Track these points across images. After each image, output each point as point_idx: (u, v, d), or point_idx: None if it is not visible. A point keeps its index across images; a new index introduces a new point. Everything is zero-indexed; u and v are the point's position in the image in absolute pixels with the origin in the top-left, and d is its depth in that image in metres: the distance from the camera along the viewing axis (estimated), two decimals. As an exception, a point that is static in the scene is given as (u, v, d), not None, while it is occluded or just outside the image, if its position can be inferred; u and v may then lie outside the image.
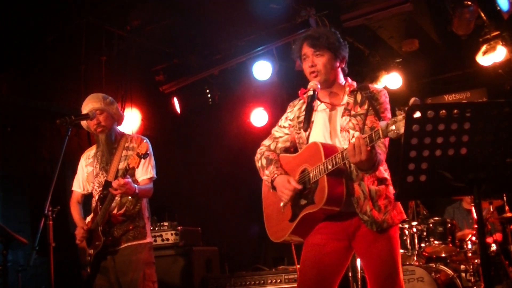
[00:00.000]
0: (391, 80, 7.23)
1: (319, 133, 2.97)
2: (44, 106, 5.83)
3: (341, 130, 2.91)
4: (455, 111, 1.98)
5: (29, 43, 5.53)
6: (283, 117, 3.20)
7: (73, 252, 4.33)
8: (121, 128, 4.15)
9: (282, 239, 3.03)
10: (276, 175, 3.01)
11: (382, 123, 2.48)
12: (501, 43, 6.33)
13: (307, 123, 2.87)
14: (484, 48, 6.41)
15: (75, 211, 4.03)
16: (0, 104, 5.43)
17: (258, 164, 3.17)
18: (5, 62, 5.44)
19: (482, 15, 6.02)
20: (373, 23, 6.18)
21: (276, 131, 3.21)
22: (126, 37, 6.32)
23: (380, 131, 2.50)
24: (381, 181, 2.90)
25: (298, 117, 3.09)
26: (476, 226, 5.44)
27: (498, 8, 5.55)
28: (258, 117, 7.75)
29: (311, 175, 2.84)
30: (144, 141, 3.75)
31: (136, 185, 3.73)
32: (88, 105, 3.89)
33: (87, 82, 6.03)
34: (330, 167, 2.72)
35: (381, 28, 6.44)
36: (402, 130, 2.38)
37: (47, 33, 5.62)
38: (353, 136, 2.84)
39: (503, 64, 6.64)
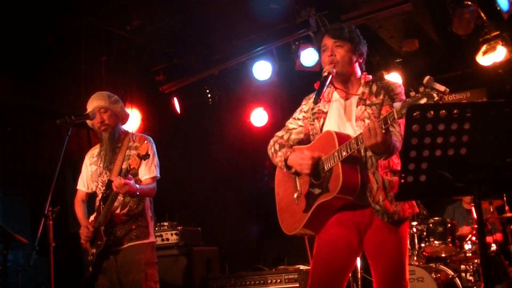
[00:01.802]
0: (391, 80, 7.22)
1: (333, 123, 2.98)
2: (44, 106, 5.83)
3: (356, 120, 2.92)
4: (455, 111, 1.98)
5: (29, 43, 5.53)
6: (298, 110, 3.21)
7: (73, 252, 4.33)
8: (124, 127, 4.15)
9: (296, 231, 3.03)
10: (289, 153, 3.02)
11: (397, 104, 2.50)
12: (501, 43, 6.32)
13: (317, 96, 2.87)
14: (484, 48, 6.40)
15: (79, 210, 4.02)
16: (0, 104, 5.43)
17: (271, 151, 3.17)
18: (5, 62, 5.44)
19: (482, 15, 6.02)
20: (373, 23, 6.17)
21: (290, 123, 3.22)
22: (126, 37, 6.32)
23: (395, 112, 2.51)
24: (395, 172, 2.90)
25: (312, 109, 3.10)
26: (476, 226, 5.44)
27: (498, 8, 5.55)
28: (258, 117, 7.75)
29: (325, 163, 2.84)
30: (146, 141, 3.73)
31: (138, 185, 3.72)
32: (93, 103, 3.88)
33: (87, 82, 6.03)
34: (344, 153, 2.73)
35: (381, 28, 6.44)
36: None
37: (47, 33, 5.61)
38: None
39: (503, 64, 6.63)
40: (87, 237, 3.81)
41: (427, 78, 2.35)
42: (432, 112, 1.97)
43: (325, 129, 2.99)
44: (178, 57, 6.87)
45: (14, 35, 5.32)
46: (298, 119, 3.18)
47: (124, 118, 4.05)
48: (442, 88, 2.34)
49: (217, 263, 6.16)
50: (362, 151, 2.82)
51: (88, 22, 5.83)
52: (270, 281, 5.40)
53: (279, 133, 3.24)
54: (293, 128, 3.19)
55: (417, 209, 3.02)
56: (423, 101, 2.37)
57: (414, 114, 1.98)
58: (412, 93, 2.43)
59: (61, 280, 3.87)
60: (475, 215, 5.71)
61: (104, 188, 3.86)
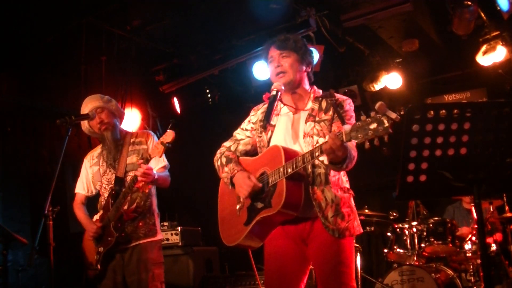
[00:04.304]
0: (391, 80, 7.22)
1: (280, 137, 2.96)
2: (44, 106, 5.83)
3: (304, 136, 2.89)
4: (455, 111, 1.98)
5: (29, 43, 5.53)
6: (246, 121, 3.22)
7: (73, 252, 4.33)
8: (122, 127, 4.15)
9: (236, 243, 3.02)
10: (236, 171, 2.99)
11: (346, 127, 2.47)
12: (501, 43, 6.31)
13: (266, 120, 2.84)
14: (484, 48, 6.39)
15: (80, 211, 4.00)
16: (0, 104, 5.43)
17: (218, 163, 3.16)
18: (5, 62, 5.44)
19: (482, 15, 6.01)
20: (373, 23, 6.17)
21: (238, 133, 3.22)
22: (126, 37, 6.31)
23: (344, 135, 2.48)
24: (344, 190, 2.92)
25: (260, 121, 3.08)
26: (476, 226, 5.43)
27: (498, 8, 5.54)
28: (258, 117, 7.73)
29: (270, 178, 2.81)
30: (169, 130, 3.62)
31: (155, 172, 3.72)
32: (88, 106, 3.91)
33: (87, 82, 6.03)
34: (290, 170, 2.70)
35: (381, 28, 6.43)
36: (362, 136, 2.37)
37: (47, 33, 5.61)
38: (317, 142, 2.82)
39: (503, 64, 6.62)
40: (95, 233, 3.79)
41: (379, 104, 2.29)
42: (432, 112, 1.97)
43: (272, 142, 2.97)
44: (178, 57, 6.87)
45: (14, 35, 5.32)
46: (246, 130, 3.17)
47: (121, 115, 4.07)
48: (393, 115, 2.28)
49: (217, 263, 6.16)
50: (309, 167, 2.80)
51: (88, 22, 5.82)
52: (270, 281, 5.39)
53: (226, 144, 3.24)
54: (241, 139, 3.18)
55: (362, 230, 2.99)
56: (373, 126, 2.33)
57: (414, 114, 1.98)
58: (363, 117, 2.38)
59: (61, 280, 3.87)
60: (475, 215, 5.71)
61: (111, 185, 3.86)
